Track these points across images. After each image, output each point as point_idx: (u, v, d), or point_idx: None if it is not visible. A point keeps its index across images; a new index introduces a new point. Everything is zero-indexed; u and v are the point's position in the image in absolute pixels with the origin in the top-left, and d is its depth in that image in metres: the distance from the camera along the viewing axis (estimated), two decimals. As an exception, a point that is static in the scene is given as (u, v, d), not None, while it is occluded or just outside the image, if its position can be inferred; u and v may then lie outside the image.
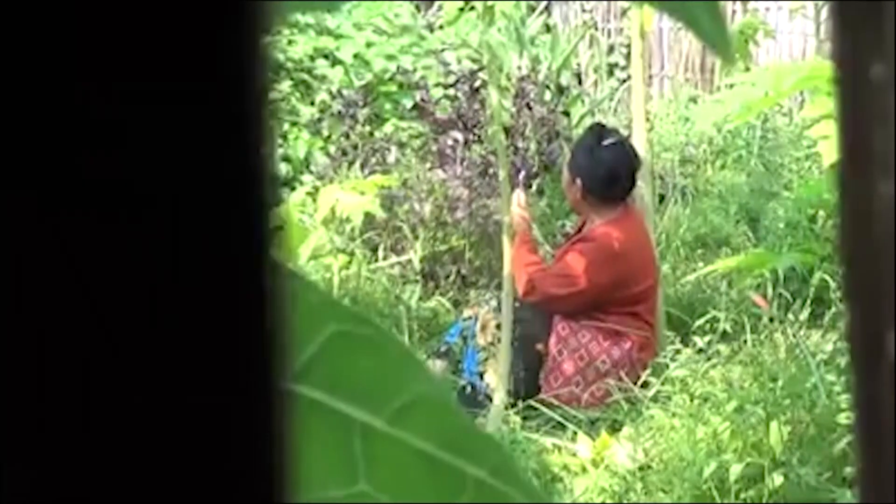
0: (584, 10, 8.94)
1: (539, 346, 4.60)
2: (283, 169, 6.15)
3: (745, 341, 4.17)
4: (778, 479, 3.51)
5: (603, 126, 5.02)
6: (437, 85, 6.57)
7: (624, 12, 8.34)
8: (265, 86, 0.28)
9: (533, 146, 6.18)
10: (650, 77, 8.23)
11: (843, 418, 3.62)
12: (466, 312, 4.89)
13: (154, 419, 0.28)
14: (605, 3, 8.96)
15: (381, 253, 5.63)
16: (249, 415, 0.28)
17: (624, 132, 5.08)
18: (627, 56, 6.89)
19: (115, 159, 0.27)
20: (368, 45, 6.85)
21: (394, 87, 6.64)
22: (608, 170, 4.55)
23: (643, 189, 4.75)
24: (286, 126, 6.31)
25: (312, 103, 6.54)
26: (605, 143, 4.62)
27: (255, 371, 0.29)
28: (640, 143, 4.70)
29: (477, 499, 0.45)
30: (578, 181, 4.59)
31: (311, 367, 0.44)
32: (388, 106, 6.54)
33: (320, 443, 0.44)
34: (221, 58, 0.28)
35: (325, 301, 0.45)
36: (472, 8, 5.07)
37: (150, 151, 0.27)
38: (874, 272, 0.27)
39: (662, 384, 4.09)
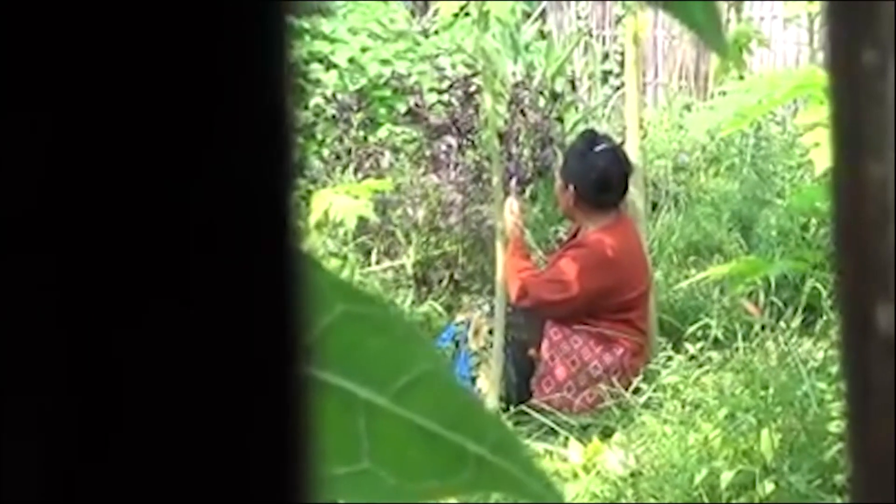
0: (578, 17, 8.95)
1: (531, 352, 4.60)
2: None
3: (737, 348, 4.17)
4: (769, 486, 3.51)
5: (595, 132, 5.03)
6: (431, 90, 6.56)
7: (619, 20, 8.35)
8: (290, 74, 0.29)
9: (527, 152, 6.18)
10: (644, 84, 8.23)
11: (834, 426, 3.62)
12: (459, 317, 4.88)
13: (176, 403, 0.28)
14: (599, 10, 8.97)
15: (374, 257, 5.62)
16: (271, 400, 0.29)
17: (618, 139, 5.09)
18: (622, 63, 6.89)
19: (150, 153, 0.28)
20: (363, 49, 6.85)
21: (388, 92, 6.63)
22: (600, 175, 4.56)
23: (636, 196, 4.75)
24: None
25: (307, 107, 6.54)
26: (597, 148, 4.63)
27: (277, 358, 0.29)
28: (633, 151, 4.70)
29: (478, 476, 0.46)
30: (571, 187, 4.60)
31: (318, 346, 0.45)
32: (382, 110, 6.54)
33: (325, 420, 0.45)
34: (249, 54, 0.29)
35: (333, 281, 0.45)
36: (468, 14, 5.07)
37: (182, 143, 0.28)
38: (864, 249, 0.28)
39: (654, 390, 4.10)
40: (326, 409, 0.45)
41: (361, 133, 6.26)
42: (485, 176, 5.64)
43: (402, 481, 0.46)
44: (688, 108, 8.07)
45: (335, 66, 6.71)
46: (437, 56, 6.93)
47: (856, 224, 0.29)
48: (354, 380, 0.46)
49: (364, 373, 0.46)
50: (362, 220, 5.16)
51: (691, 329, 4.46)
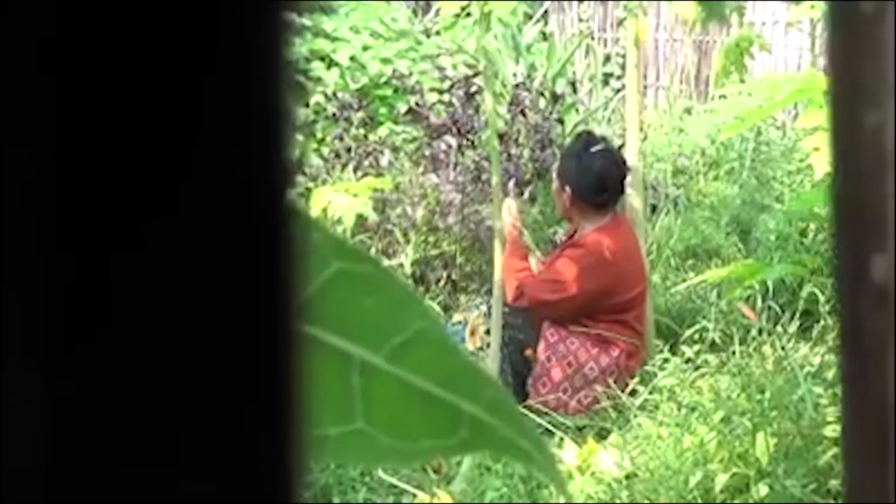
0: (580, 20, 8.96)
1: (528, 352, 4.60)
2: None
3: (734, 352, 4.17)
4: (763, 489, 3.51)
5: (591, 133, 5.03)
6: (432, 90, 6.56)
7: (620, 22, 8.35)
8: (287, 65, 0.29)
9: (526, 153, 6.19)
10: (645, 87, 8.25)
11: (830, 431, 3.62)
12: (456, 317, 4.89)
13: (170, 358, 0.28)
14: (601, 13, 8.98)
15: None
16: (265, 357, 0.29)
17: (618, 142, 5.09)
18: (623, 66, 6.89)
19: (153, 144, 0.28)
20: (365, 48, 6.84)
21: (389, 91, 6.63)
22: (596, 176, 4.56)
23: (635, 198, 4.75)
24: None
25: (307, 105, 6.54)
26: (593, 149, 4.63)
27: (272, 315, 0.29)
28: (633, 153, 4.70)
29: (472, 435, 0.46)
30: (567, 188, 4.60)
31: (312, 304, 0.45)
32: (382, 109, 6.54)
33: (319, 380, 0.45)
34: (247, 50, 0.29)
35: (329, 239, 0.45)
36: (469, 14, 5.07)
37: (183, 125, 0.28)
38: (861, 200, 0.28)
39: (650, 393, 4.10)
40: (320, 367, 0.45)
41: (361, 131, 6.26)
42: (484, 176, 5.65)
43: (397, 442, 0.46)
44: (688, 111, 8.07)
45: (336, 64, 6.71)
46: (438, 56, 6.93)
47: (852, 173, 0.29)
48: (349, 338, 0.46)
49: (358, 331, 0.46)
50: (361, 219, 5.16)
51: (688, 332, 4.46)
